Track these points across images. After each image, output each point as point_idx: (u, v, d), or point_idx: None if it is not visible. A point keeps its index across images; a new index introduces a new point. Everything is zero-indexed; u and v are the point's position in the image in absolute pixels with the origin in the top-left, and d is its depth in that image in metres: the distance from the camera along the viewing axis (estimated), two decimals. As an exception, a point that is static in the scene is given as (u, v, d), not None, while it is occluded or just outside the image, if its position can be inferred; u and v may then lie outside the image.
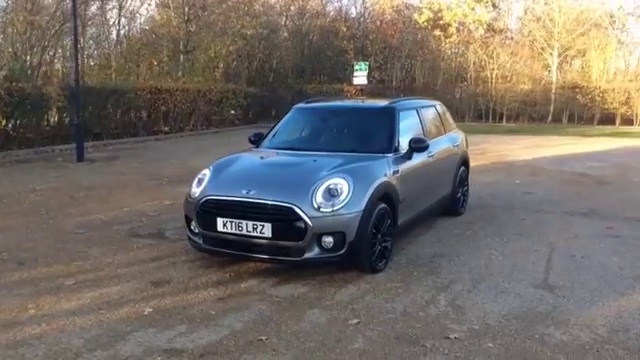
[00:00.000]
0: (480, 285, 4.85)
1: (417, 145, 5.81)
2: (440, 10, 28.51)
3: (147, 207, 8.09)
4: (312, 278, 5.04)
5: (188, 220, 5.47)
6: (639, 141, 17.93)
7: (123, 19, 24.06)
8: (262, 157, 5.78)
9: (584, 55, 27.33)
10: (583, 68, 27.69)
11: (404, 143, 5.87)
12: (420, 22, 28.37)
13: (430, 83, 28.82)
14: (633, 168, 12.05)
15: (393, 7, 29.65)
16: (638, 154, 14.70)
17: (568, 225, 7.00)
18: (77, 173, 11.50)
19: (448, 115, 7.80)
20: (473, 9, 27.90)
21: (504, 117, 26.43)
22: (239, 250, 5.04)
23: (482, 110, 26.78)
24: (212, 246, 5.20)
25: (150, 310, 4.36)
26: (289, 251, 4.87)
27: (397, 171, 5.52)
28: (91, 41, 23.69)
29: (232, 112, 24.08)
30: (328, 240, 4.79)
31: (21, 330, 4.00)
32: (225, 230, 4.97)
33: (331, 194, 4.83)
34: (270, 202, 4.82)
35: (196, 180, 5.50)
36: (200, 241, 5.28)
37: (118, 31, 23.66)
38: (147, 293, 4.73)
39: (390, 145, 5.75)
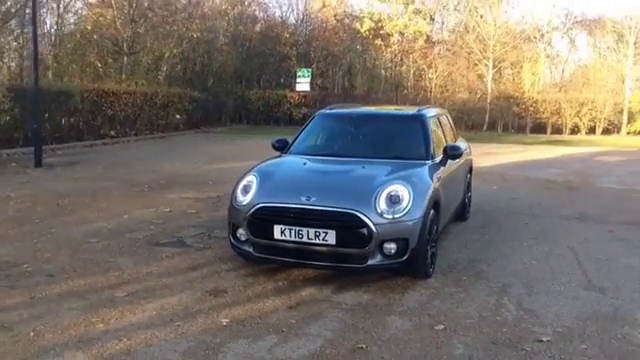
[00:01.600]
0: (534, 288, 5.01)
1: (453, 152, 5.95)
2: (380, 20, 29.08)
3: (147, 215, 7.77)
4: (367, 285, 5.03)
5: (233, 228, 5.31)
6: (578, 149, 19.02)
7: (61, 19, 22.92)
8: (305, 163, 5.71)
9: (516, 67, 28.71)
10: (514, 79, 29.09)
11: (437, 150, 6.00)
12: (362, 31, 28.81)
13: (371, 91, 29.36)
14: (590, 174, 12.79)
15: (335, 15, 29.95)
16: (586, 161, 15.60)
17: (571, 229, 7.35)
18: (44, 179, 10.86)
19: (452, 123, 8.01)
20: (411, 20, 28.64)
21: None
22: (298, 258, 4.96)
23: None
24: (266, 254, 5.08)
25: (227, 321, 4.23)
26: (352, 258, 4.84)
27: (439, 178, 5.62)
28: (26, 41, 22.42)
29: (177, 116, 23.50)
30: (390, 247, 4.80)
31: (103, 347, 3.77)
32: (283, 238, 4.88)
33: (392, 201, 4.86)
34: (335, 209, 4.79)
35: (241, 187, 5.34)
36: (250, 249, 5.15)
37: (57, 31, 22.51)
38: (210, 303, 4.57)
39: (427, 152, 5.85)
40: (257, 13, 32.36)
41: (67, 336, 3.91)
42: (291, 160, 5.95)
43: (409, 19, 28.60)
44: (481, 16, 28.51)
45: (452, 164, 6.30)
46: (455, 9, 32.09)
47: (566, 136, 25.18)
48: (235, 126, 28.09)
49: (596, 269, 5.61)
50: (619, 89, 27.14)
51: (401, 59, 29.23)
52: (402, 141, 6.10)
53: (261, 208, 5.01)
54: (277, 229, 4.89)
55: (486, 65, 27.87)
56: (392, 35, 28.78)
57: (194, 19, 24.49)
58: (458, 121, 27.35)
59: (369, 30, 28.82)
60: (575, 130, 26.09)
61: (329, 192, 4.99)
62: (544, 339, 3.96)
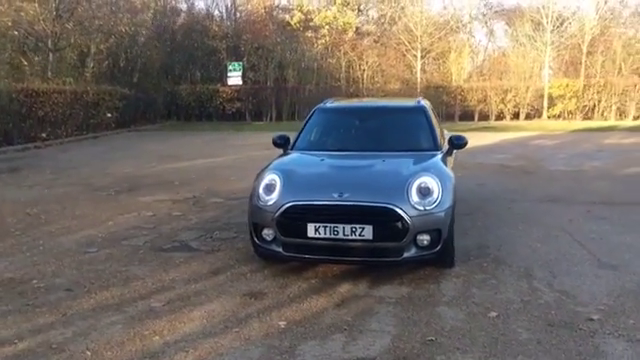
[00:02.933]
0: (554, 270, 5.24)
1: (459, 142, 6.11)
2: (309, 12, 29.14)
3: (132, 220, 7.46)
4: (399, 277, 5.09)
5: (257, 228, 5.19)
6: (511, 134, 19.90)
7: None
8: (322, 159, 5.66)
9: (443, 57, 29.65)
10: (440, 69, 30.02)
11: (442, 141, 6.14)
12: (292, 23, 28.77)
13: (303, 83, 29.40)
14: (536, 158, 13.46)
15: (265, 8, 29.70)
16: (524, 146, 16.40)
17: (551, 211, 7.72)
18: (-6, 187, 10.17)
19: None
20: (340, 12, 28.88)
21: (377, 115, 27.74)
22: (332, 255, 4.94)
23: (356, 109, 27.96)
24: (297, 253, 5.03)
25: (284, 323, 4.16)
26: (387, 252, 4.88)
27: (451, 168, 5.75)
28: None
29: (109, 115, 22.57)
30: (424, 238, 4.87)
31: (173, 360, 3.62)
32: (317, 235, 4.83)
33: (423, 193, 4.92)
34: (371, 204, 4.81)
35: (263, 186, 5.22)
36: (279, 249, 5.06)
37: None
38: (256, 307, 4.48)
39: (435, 143, 5.99)
40: (180, 5, 31.67)
41: (128, 352, 3.72)
42: (306, 157, 5.87)
43: (338, 11, 28.81)
44: (402, 8, 29.27)
45: (453, 154, 6.46)
46: (378, 0, 32.59)
47: (493, 122, 26.29)
48: (167, 123, 27.34)
49: (597, 248, 5.94)
50: (538, 76, 28.61)
51: (331, 51, 29.37)
52: (408, 132, 6.20)
53: (292, 207, 4.93)
54: (310, 227, 4.84)
55: (414, 56, 28.56)
56: (322, 27, 28.90)
57: (122, 13, 23.54)
58: (390, 111, 28.12)
59: (299, 22, 28.84)
60: (500, 116, 27.30)
61: (360, 187, 4.99)
62: (594, 317, 4.17)
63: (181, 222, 7.32)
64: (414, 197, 4.87)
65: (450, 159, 6.16)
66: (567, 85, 27.07)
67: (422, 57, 28.50)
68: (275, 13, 30.06)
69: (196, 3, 31.96)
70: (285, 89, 29.01)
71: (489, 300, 4.56)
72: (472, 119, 27.29)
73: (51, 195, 9.30)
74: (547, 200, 8.51)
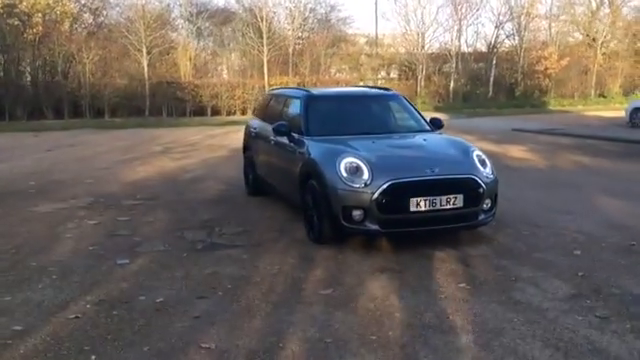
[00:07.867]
0: (543, 218, 6.56)
1: (439, 124, 6.97)
2: (14, -3, 25.52)
3: (87, 230, 6.39)
4: (465, 240, 5.74)
5: (346, 210, 5.27)
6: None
7: None
8: (373, 142, 5.90)
9: (170, 53, 29.40)
10: (165, 64, 29.63)
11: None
12: (-8, 9, 24.81)
13: (11, 78, 25.83)
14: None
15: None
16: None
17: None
18: None
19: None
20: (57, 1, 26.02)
21: (105, 112, 26.14)
22: (429, 225, 5.38)
23: (83, 106, 25.88)
24: (397, 228, 5.35)
25: (464, 284, 4.59)
26: (469, 216, 5.54)
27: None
28: None
29: None
30: (486, 202, 5.68)
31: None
32: (418, 209, 5.23)
33: (481, 164, 5.75)
34: (460, 176, 5.49)
35: (343, 169, 5.30)
36: (375, 227, 5.25)
37: None
38: (407, 279, 4.72)
39: (428, 124, 6.80)
40: None
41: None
42: (355, 140, 5.90)
43: (52, -1, 25.95)
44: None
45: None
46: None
47: (236, 117, 27.14)
48: None
49: (533, 202, 7.52)
50: (258, 75, 30.65)
51: (39, 41, 26.21)
52: (403, 116, 6.86)
53: (393, 185, 5.20)
54: (413, 202, 5.22)
55: (139, 50, 27.63)
56: (33, 15, 25.69)
57: None
58: (120, 108, 26.74)
59: (2, 8, 25.06)
60: (231, 112, 28.45)
61: (442, 162, 5.56)
62: (633, 243, 5.59)
63: (153, 225, 6.57)
64: (480, 167, 5.67)
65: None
66: (286, 83, 29.70)
67: (148, 53, 27.72)
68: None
69: None
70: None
71: (553, 245, 5.62)
72: (205, 114, 27.77)
73: None
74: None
